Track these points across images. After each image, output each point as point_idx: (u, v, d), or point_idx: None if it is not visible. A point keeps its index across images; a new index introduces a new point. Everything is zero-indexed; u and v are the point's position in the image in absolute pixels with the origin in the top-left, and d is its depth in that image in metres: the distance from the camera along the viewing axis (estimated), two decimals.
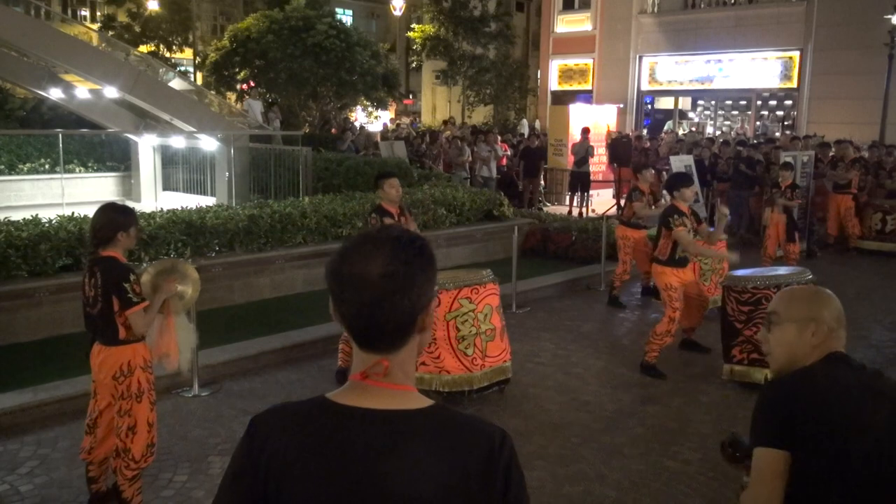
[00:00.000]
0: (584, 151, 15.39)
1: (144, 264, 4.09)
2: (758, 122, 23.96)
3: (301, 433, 1.37)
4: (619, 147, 17.39)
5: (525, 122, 28.90)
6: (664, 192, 8.34)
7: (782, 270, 6.62)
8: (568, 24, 27.82)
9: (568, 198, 16.26)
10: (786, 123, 23.12)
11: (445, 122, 24.76)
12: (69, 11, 33.76)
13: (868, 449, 1.93)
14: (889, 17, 18.29)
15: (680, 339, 7.01)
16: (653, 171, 9.20)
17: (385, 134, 20.45)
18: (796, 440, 1.96)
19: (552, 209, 15.79)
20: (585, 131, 15.79)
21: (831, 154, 13.54)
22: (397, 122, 28.44)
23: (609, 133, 18.27)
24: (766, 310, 2.23)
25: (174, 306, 4.09)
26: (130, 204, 8.41)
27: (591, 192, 15.71)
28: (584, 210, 15.29)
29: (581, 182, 15.56)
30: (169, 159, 14.67)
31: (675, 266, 6.44)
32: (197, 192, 13.80)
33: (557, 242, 10.72)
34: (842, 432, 1.93)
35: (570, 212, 15.38)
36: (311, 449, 1.35)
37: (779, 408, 2.01)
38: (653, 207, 8.60)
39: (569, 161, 16.78)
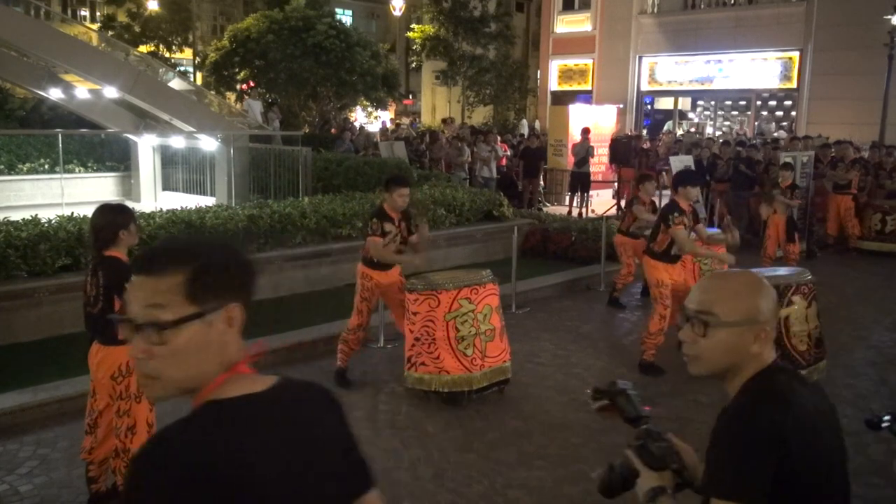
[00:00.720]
0: (584, 152, 15.39)
1: None
2: (755, 123, 23.97)
3: (239, 438, 1.32)
4: (619, 147, 17.40)
5: (525, 122, 28.92)
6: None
7: (782, 271, 6.61)
8: (568, 24, 27.82)
9: (568, 198, 16.25)
10: (782, 125, 23.12)
11: (444, 121, 24.75)
12: (69, 11, 33.77)
13: (833, 490, 1.70)
14: (889, 17, 18.29)
15: (676, 340, 7.01)
16: (655, 185, 9.23)
17: (385, 133, 20.44)
18: (783, 491, 1.60)
19: (552, 209, 15.78)
20: (585, 132, 15.78)
21: (831, 154, 13.54)
22: (398, 122, 28.44)
23: (617, 133, 18.33)
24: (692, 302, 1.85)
25: None
26: (130, 204, 8.41)
27: (591, 192, 15.69)
28: (583, 210, 15.29)
29: (581, 183, 15.56)
30: (169, 159, 14.67)
31: (667, 261, 6.47)
32: (196, 192, 13.80)
33: (557, 243, 10.72)
34: (820, 474, 1.66)
35: (569, 212, 15.37)
36: (261, 447, 1.34)
37: (765, 454, 1.60)
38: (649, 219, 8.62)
39: (568, 161, 16.78)
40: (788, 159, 11.10)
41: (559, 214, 14.34)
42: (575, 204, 15.80)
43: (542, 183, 17.03)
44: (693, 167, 12.83)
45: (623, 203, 13.34)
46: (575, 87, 27.60)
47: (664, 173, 14.36)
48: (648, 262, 6.61)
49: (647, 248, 6.78)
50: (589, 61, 27.04)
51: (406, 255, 6.02)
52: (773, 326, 1.78)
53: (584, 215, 14.71)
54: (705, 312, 1.76)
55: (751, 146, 14.90)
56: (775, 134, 21.39)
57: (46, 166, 14.40)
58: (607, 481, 1.89)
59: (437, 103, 36.56)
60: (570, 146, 16.31)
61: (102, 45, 14.74)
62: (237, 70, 21.63)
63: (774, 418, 1.63)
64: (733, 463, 1.61)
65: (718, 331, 1.74)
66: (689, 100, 26.24)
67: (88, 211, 4.04)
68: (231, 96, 23.11)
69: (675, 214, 6.34)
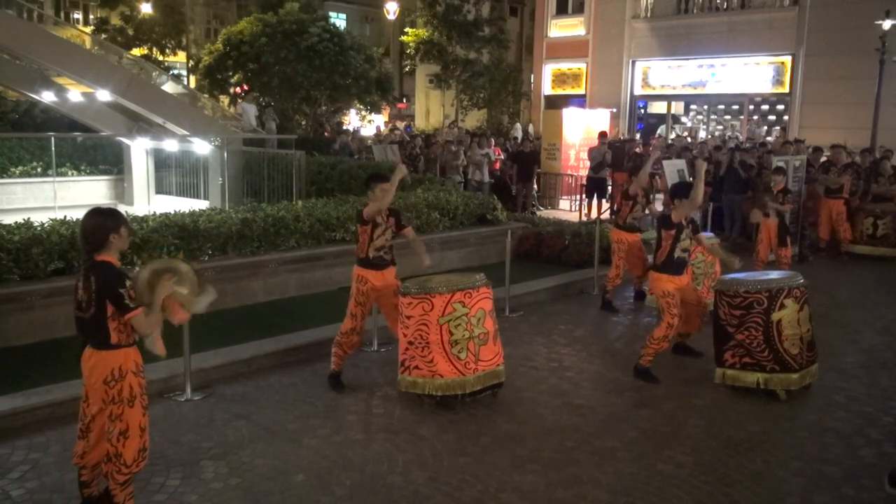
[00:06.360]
0: (600, 157, 15.23)
1: (137, 268, 4.09)
2: (747, 126, 24.06)
3: None
4: (612, 151, 17.39)
5: (519, 126, 28.96)
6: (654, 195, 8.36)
7: (774, 275, 6.63)
8: (561, 28, 27.90)
9: (586, 204, 15.86)
10: (775, 128, 23.20)
11: (451, 124, 24.77)
12: (62, 14, 33.70)
13: None
14: (880, 22, 18.41)
15: (673, 343, 7.02)
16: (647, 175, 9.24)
17: (379, 137, 20.45)
18: None
19: (548, 213, 15.75)
20: (603, 135, 15.64)
21: (822, 159, 13.59)
22: (395, 127, 28.41)
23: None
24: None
25: (185, 301, 4.10)
26: (123, 207, 8.41)
27: (605, 197, 15.33)
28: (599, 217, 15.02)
29: (598, 188, 15.36)
30: (162, 163, 14.67)
31: (671, 272, 6.44)
32: (190, 195, 13.81)
33: (551, 246, 10.73)
34: None
35: (590, 219, 15.00)
36: None
37: None
38: (646, 210, 8.67)
39: (562, 165, 16.79)
40: (781, 163, 11.14)
41: (553, 218, 14.32)
42: (574, 208, 15.56)
43: (535, 187, 17.02)
44: (685, 171, 12.85)
45: (615, 206, 13.29)
46: (568, 90, 27.65)
47: (657, 177, 14.37)
48: (653, 276, 6.60)
49: (651, 264, 6.79)
50: (582, 65, 27.12)
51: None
52: None
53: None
54: None
55: (743, 150, 14.91)
56: (769, 138, 21.42)
57: (39, 169, 14.38)
58: None
59: (430, 107, 36.58)
60: (588, 151, 16.05)
61: (95, 48, 14.76)
62: (231, 73, 21.61)
63: None
64: None
65: None
66: (682, 104, 26.31)
67: (81, 214, 4.03)
68: (225, 100, 23.08)
69: (668, 212, 6.44)
